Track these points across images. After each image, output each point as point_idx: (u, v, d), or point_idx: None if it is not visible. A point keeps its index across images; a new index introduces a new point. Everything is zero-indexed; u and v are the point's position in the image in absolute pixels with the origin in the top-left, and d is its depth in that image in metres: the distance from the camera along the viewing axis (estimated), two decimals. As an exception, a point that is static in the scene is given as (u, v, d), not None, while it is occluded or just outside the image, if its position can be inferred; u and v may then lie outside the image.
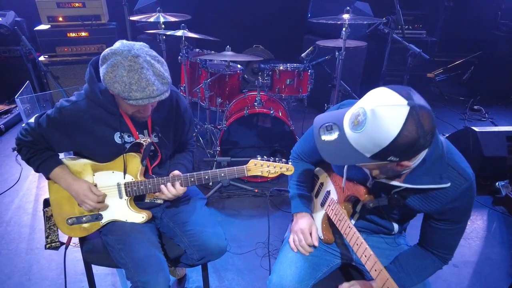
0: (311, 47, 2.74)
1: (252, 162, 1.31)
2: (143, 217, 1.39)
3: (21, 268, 1.96)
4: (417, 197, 1.05)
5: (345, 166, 1.16)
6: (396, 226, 1.23)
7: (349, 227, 1.12)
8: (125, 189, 1.37)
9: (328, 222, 1.29)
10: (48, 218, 1.44)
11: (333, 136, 0.93)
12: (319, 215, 1.33)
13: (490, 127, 3.40)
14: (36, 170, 1.35)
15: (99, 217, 1.39)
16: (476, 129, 2.70)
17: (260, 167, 1.31)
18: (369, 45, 3.29)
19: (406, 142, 0.82)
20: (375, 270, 0.99)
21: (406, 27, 4.11)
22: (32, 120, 1.32)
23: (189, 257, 1.42)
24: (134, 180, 1.37)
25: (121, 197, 1.38)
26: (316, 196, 1.39)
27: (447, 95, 4.58)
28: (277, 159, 1.32)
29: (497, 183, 2.66)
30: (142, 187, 1.36)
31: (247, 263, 2.04)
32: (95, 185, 1.37)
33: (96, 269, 1.68)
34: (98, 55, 1.21)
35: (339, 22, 2.46)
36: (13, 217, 2.36)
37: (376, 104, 0.84)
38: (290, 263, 1.23)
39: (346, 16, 2.47)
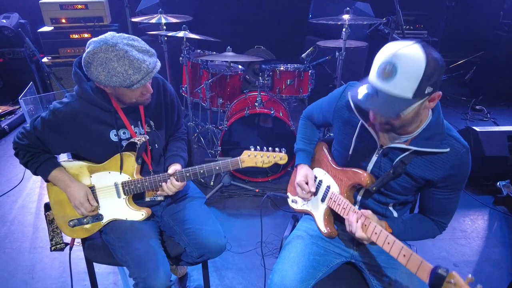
0: (312, 48, 2.75)
1: (245, 153, 1.33)
2: (142, 215, 1.41)
3: (24, 266, 1.99)
4: (421, 163, 1.12)
5: (354, 136, 1.23)
6: (395, 213, 1.26)
7: (355, 212, 1.15)
8: (123, 188, 1.39)
9: (330, 215, 1.32)
10: (50, 221, 1.45)
11: (373, 97, 1.00)
12: (320, 211, 1.35)
13: (491, 127, 3.39)
14: (34, 173, 1.36)
15: (100, 217, 1.41)
16: (477, 129, 2.70)
17: (254, 157, 1.32)
18: (369, 46, 3.29)
19: (434, 65, 0.94)
20: (388, 243, 1.02)
21: (408, 27, 4.12)
22: (27, 123, 1.33)
23: (189, 255, 1.43)
24: (130, 179, 1.38)
25: (119, 197, 1.40)
26: (315, 193, 1.40)
27: (449, 95, 4.57)
28: (270, 148, 1.34)
29: (498, 183, 2.65)
30: (139, 186, 1.37)
31: (248, 262, 2.05)
32: (93, 186, 1.39)
33: (98, 268, 1.70)
34: (81, 56, 1.22)
35: (339, 23, 2.47)
36: (16, 216, 2.39)
37: (394, 50, 0.96)
38: (291, 263, 1.24)
39: (346, 16, 2.49)
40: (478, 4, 4.64)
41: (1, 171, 2.88)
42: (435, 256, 2.13)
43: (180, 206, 1.51)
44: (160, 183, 1.37)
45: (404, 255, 0.96)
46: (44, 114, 1.29)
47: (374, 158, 1.20)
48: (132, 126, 1.36)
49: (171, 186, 1.36)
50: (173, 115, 1.51)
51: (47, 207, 1.45)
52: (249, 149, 1.33)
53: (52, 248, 1.48)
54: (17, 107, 3.82)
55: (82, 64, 1.17)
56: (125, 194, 1.39)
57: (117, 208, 1.40)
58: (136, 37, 1.21)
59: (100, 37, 1.17)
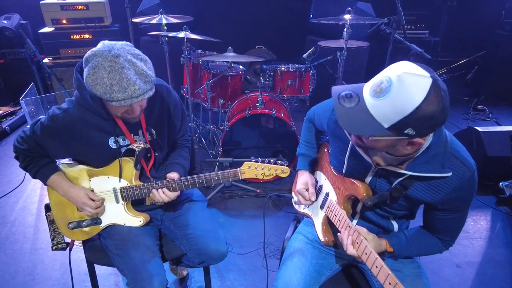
0: (313, 48, 2.74)
1: (246, 164, 1.30)
2: (140, 221, 1.39)
3: (25, 268, 1.98)
4: (419, 187, 1.05)
5: (346, 155, 1.17)
6: (395, 225, 1.23)
7: (349, 226, 1.12)
8: (121, 194, 1.37)
9: (328, 224, 1.29)
10: (51, 221, 1.45)
11: (352, 103, 0.91)
12: (319, 218, 1.32)
13: (493, 127, 3.38)
14: (34, 177, 1.35)
15: (98, 221, 1.40)
16: (479, 129, 2.68)
17: (255, 169, 1.29)
18: (371, 45, 3.29)
19: (427, 113, 0.82)
20: (376, 267, 0.99)
21: (409, 27, 4.11)
22: (28, 125, 1.32)
23: (190, 259, 1.42)
24: (129, 185, 1.36)
25: (117, 202, 1.39)
26: (316, 199, 1.39)
27: (451, 95, 4.52)
28: (271, 160, 1.31)
29: (500, 183, 2.64)
30: (137, 192, 1.36)
31: (249, 263, 2.04)
32: (92, 191, 1.38)
33: (99, 269, 1.70)
34: (82, 61, 1.19)
35: (340, 23, 2.46)
36: (17, 217, 2.39)
37: (402, 71, 0.84)
38: (295, 268, 1.23)
39: (347, 16, 2.48)
40: (480, 4, 4.62)
41: (2, 172, 2.89)
42: (438, 257, 2.11)
43: (182, 210, 1.49)
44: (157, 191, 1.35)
45: (390, 283, 0.94)
46: (44, 119, 1.28)
47: (369, 178, 1.14)
48: (132, 134, 1.34)
49: (164, 195, 1.33)
50: (177, 123, 1.48)
51: (47, 208, 1.44)
52: (250, 159, 1.31)
53: (54, 247, 1.48)
54: (18, 108, 3.82)
55: (83, 59, 1.13)
56: (123, 199, 1.38)
57: (115, 213, 1.39)
58: (146, 58, 1.16)
59: (112, 42, 1.13)
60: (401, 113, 0.83)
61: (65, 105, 1.28)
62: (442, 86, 0.85)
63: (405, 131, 0.86)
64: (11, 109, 3.81)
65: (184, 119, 1.52)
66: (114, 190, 1.37)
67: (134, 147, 1.32)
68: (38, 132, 1.27)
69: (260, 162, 1.30)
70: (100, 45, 1.12)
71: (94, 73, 1.08)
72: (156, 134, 1.39)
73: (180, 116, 1.49)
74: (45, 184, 1.36)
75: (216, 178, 1.32)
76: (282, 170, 1.30)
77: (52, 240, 1.48)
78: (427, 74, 0.84)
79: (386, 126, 0.86)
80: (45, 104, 3.24)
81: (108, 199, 1.38)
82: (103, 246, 1.41)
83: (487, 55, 4.61)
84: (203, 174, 1.33)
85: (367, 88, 0.91)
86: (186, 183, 1.34)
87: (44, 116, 1.30)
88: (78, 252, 1.99)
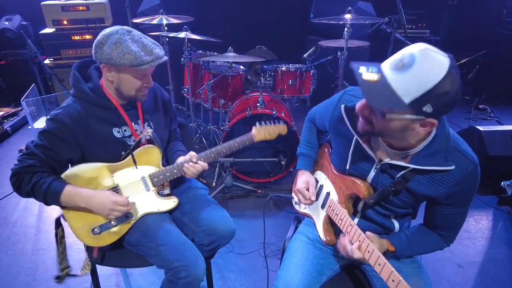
0: (314, 48, 2.75)
1: (255, 128, 1.49)
2: (174, 201, 1.43)
3: (27, 268, 1.99)
4: (423, 181, 1.06)
5: (350, 151, 1.17)
6: (396, 225, 1.23)
7: (351, 225, 1.12)
8: (151, 180, 1.40)
9: (330, 223, 1.29)
10: (60, 239, 1.38)
11: (374, 76, 0.93)
12: (320, 217, 1.32)
13: (495, 126, 3.37)
14: (43, 197, 1.22)
15: (129, 216, 1.34)
16: (480, 128, 2.68)
17: (263, 132, 1.49)
18: (371, 45, 3.28)
19: (447, 89, 0.86)
20: (379, 265, 0.99)
21: (410, 26, 4.10)
22: (25, 147, 1.27)
23: (198, 244, 1.41)
24: (157, 170, 1.41)
25: (148, 190, 1.40)
26: (316, 198, 1.39)
27: (452, 94, 4.54)
28: (271, 121, 1.52)
29: (502, 183, 2.64)
30: (168, 174, 1.40)
31: (250, 263, 2.04)
32: (117, 186, 1.35)
33: (100, 270, 1.70)
34: (81, 60, 1.36)
35: (341, 22, 2.46)
36: (19, 218, 2.39)
37: (425, 47, 0.88)
38: (295, 268, 1.23)
39: (348, 16, 2.48)
40: (481, 3, 4.60)
41: (4, 173, 2.89)
42: (439, 256, 2.11)
43: (186, 197, 1.52)
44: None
45: (393, 280, 0.94)
46: (42, 128, 1.25)
47: (372, 173, 1.14)
48: (133, 123, 1.39)
49: (198, 165, 1.41)
50: (172, 116, 1.60)
51: (57, 222, 1.38)
52: (254, 124, 1.50)
53: (62, 274, 1.38)
54: (19, 108, 3.83)
55: (93, 46, 1.23)
56: (153, 185, 1.41)
57: (147, 202, 1.40)
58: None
59: (115, 26, 1.26)
60: (423, 87, 0.85)
61: (64, 104, 1.30)
62: (456, 68, 0.88)
63: (424, 108, 0.88)
64: (13, 110, 3.81)
65: (174, 115, 1.64)
66: (143, 178, 1.39)
67: (146, 135, 1.39)
68: (42, 142, 1.23)
69: (264, 125, 1.50)
70: (106, 30, 1.23)
71: (118, 47, 1.19)
72: (155, 125, 1.47)
73: (173, 110, 1.61)
74: (59, 203, 1.24)
75: (236, 145, 1.46)
76: (282, 128, 1.52)
77: (60, 263, 1.38)
78: (445, 55, 0.88)
79: (407, 101, 0.88)
80: (46, 105, 3.25)
81: (137, 189, 1.39)
82: (123, 243, 1.39)
83: (488, 54, 4.60)
84: (225, 143, 1.45)
85: (387, 65, 0.93)
86: (212, 155, 1.43)
87: (42, 127, 1.26)
88: (79, 253, 1.99)
